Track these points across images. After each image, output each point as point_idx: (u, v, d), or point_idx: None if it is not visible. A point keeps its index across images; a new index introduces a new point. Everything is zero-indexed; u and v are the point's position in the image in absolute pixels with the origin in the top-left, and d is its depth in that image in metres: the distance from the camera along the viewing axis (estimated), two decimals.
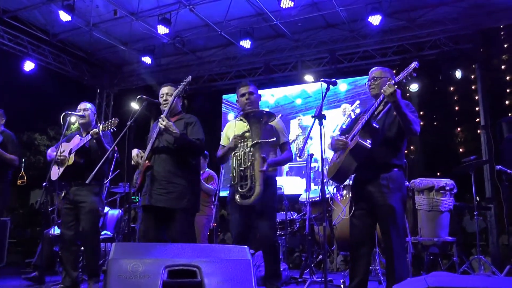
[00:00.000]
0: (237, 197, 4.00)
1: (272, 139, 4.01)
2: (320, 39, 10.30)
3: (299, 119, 11.52)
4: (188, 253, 2.79)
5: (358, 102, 10.40)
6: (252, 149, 3.97)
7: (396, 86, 3.50)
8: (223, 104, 13.27)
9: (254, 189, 3.90)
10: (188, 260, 2.71)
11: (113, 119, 4.69)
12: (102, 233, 6.08)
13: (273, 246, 4.15)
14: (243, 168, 3.99)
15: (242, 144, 4.08)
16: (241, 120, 4.31)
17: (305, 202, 6.52)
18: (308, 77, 10.98)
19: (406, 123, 3.62)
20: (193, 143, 4.18)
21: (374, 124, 3.69)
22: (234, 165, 4.07)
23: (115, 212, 7.12)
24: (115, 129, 4.69)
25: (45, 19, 9.91)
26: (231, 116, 13.42)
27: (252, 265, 2.74)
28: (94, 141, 4.74)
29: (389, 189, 3.68)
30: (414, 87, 10.06)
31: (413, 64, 3.52)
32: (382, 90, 3.58)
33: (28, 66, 10.47)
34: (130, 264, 2.61)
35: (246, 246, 2.90)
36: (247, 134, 4.10)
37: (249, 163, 3.96)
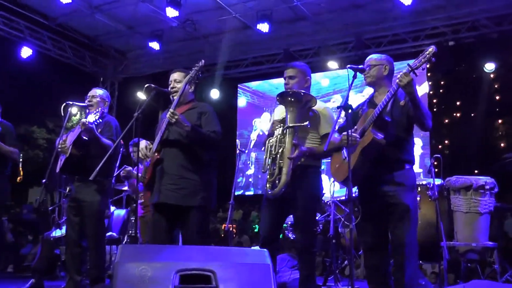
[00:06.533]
0: (267, 186, 4.00)
1: (304, 123, 3.92)
2: (345, 21, 10.22)
3: (333, 101, 11.38)
4: (201, 256, 2.79)
5: None
6: (284, 134, 3.94)
7: (411, 74, 3.46)
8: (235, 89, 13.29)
9: (280, 179, 3.88)
10: (202, 264, 2.72)
11: (98, 109, 4.76)
12: (107, 234, 6.13)
13: (306, 250, 4.07)
14: (274, 155, 3.99)
15: (278, 129, 4.05)
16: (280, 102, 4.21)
17: (329, 201, 6.50)
18: (332, 64, 10.94)
19: (421, 117, 3.61)
20: (207, 136, 4.13)
21: (386, 118, 3.67)
22: (267, 152, 4.07)
23: (121, 212, 7.16)
24: (100, 120, 4.70)
25: (43, 1, 9.96)
26: (242, 100, 13.39)
27: (272, 269, 2.74)
28: (86, 133, 4.70)
29: (404, 187, 3.69)
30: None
31: (431, 49, 3.47)
32: (397, 80, 3.53)
33: (26, 52, 10.57)
34: (138, 268, 2.63)
35: (265, 249, 2.89)
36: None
37: (280, 149, 3.94)
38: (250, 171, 13.22)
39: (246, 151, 13.32)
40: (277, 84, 12.34)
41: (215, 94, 12.47)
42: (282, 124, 4.05)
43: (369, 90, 4.21)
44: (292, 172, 3.90)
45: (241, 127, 13.63)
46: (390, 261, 3.82)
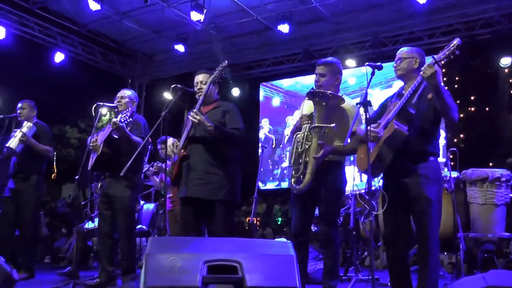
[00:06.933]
0: (292, 181, 3.98)
1: (331, 125, 3.83)
2: (363, 21, 10.14)
3: None
4: (227, 247, 2.79)
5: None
6: (311, 132, 3.90)
7: (436, 67, 3.38)
8: (268, 89, 13.36)
9: (305, 176, 3.84)
10: (228, 255, 2.71)
11: (128, 109, 4.79)
12: (137, 227, 6.19)
13: (329, 241, 4.04)
14: (300, 152, 3.94)
15: (306, 125, 3.98)
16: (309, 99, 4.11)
17: (350, 194, 6.47)
18: (351, 62, 10.87)
19: (446, 109, 3.47)
20: (231, 134, 4.13)
21: (410, 110, 3.58)
22: (294, 146, 4.02)
23: (150, 206, 7.23)
24: (130, 120, 4.73)
25: (73, 8, 10.09)
26: (276, 100, 13.45)
27: (296, 260, 2.73)
28: (117, 131, 4.76)
29: (427, 179, 3.58)
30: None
31: (456, 41, 3.35)
32: (421, 72, 3.42)
33: (59, 57, 10.78)
34: (168, 259, 2.63)
35: (288, 241, 2.89)
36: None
37: (307, 147, 3.89)
38: (285, 164, 13.38)
39: (281, 146, 13.65)
40: (308, 84, 12.37)
41: (237, 92, 12.53)
42: (309, 120, 3.97)
43: (399, 84, 4.10)
44: (315, 168, 3.86)
45: (276, 124, 13.89)
46: (410, 252, 3.77)
